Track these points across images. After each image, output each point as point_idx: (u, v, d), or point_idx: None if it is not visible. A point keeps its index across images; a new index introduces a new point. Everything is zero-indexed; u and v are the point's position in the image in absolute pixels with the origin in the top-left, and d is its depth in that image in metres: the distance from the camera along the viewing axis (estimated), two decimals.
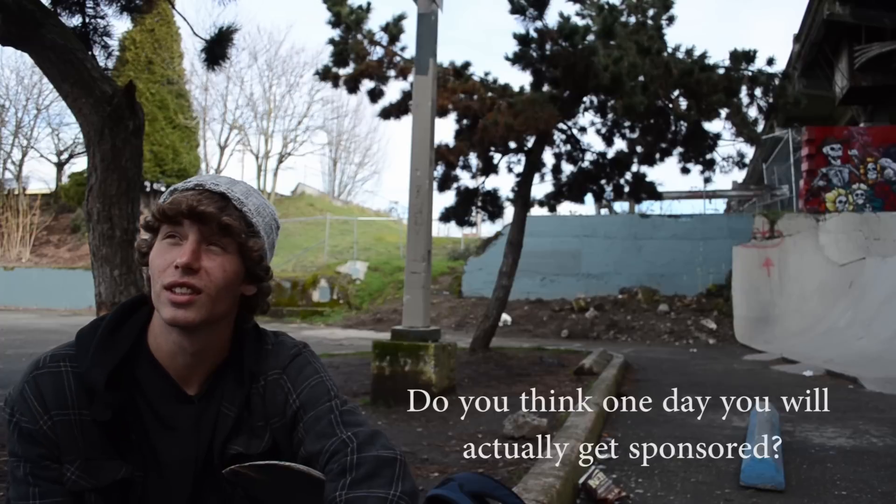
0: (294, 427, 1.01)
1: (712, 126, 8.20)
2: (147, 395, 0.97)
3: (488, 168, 8.26)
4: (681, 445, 3.68)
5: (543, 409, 4.24)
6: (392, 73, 7.56)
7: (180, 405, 0.99)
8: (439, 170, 7.80)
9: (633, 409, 4.87)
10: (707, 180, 8.78)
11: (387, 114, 7.88)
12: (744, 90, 7.74)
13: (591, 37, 6.76)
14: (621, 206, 18.29)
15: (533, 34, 6.93)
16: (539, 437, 3.35)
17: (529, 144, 7.90)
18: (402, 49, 7.51)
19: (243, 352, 1.03)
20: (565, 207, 20.87)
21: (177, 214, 0.93)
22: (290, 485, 0.93)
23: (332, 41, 7.41)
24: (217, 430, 0.99)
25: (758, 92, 7.75)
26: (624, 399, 5.26)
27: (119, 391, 0.94)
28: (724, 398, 5.45)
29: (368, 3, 7.35)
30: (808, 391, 5.91)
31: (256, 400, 1.03)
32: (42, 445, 0.91)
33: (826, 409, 4.93)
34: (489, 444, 3.30)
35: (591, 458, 3.29)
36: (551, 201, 8.92)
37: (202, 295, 0.94)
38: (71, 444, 0.92)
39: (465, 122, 7.58)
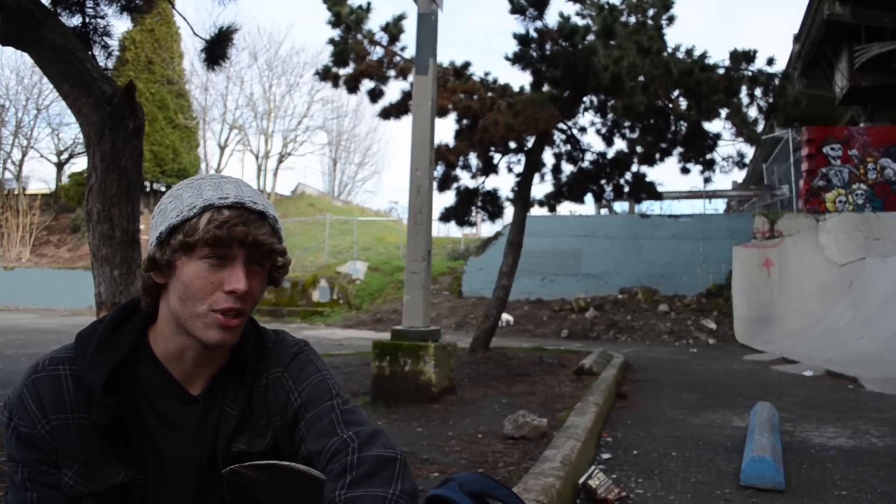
0: (295, 426, 1.01)
1: (712, 126, 8.21)
2: (149, 396, 0.97)
3: (488, 168, 8.26)
4: (681, 445, 3.68)
5: (543, 409, 4.24)
6: (392, 73, 7.55)
7: (184, 405, 0.99)
8: (439, 170, 7.80)
9: (633, 409, 4.87)
10: (707, 180, 8.78)
11: (387, 114, 7.88)
12: (744, 90, 7.74)
13: (591, 37, 6.76)
14: (621, 206, 18.30)
15: (533, 34, 6.93)
16: (539, 437, 3.36)
17: (529, 144, 7.90)
18: (402, 49, 7.52)
19: (245, 350, 1.03)
20: (565, 207, 20.93)
21: (231, 241, 0.92)
22: (289, 484, 0.93)
23: (332, 41, 7.41)
24: (220, 429, 0.99)
25: (758, 92, 7.75)
26: (624, 399, 5.27)
27: (118, 394, 0.93)
28: (724, 398, 5.46)
29: (368, 3, 7.35)
30: (808, 391, 5.92)
31: (258, 398, 1.03)
32: (40, 450, 0.91)
33: (826, 409, 4.93)
34: (489, 444, 3.30)
35: (591, 458, 3.29)
36: (551, 201, 8.92)
37: (245, 315, 0.96)
38: (69, 448, 0.91)
39: (465, 122, 7.58)
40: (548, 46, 6.97)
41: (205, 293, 0.92)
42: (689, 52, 7.67)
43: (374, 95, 7.71)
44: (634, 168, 8.64)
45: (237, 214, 0.92)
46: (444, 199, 48.23)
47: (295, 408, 1.01)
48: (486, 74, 7.62)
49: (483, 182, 8.49)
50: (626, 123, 8.22)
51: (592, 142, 25.88)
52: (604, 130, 8.42)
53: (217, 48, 3.96)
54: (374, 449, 0.93)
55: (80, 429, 0.92)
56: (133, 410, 0.95)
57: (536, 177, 8.34)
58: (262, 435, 1.01)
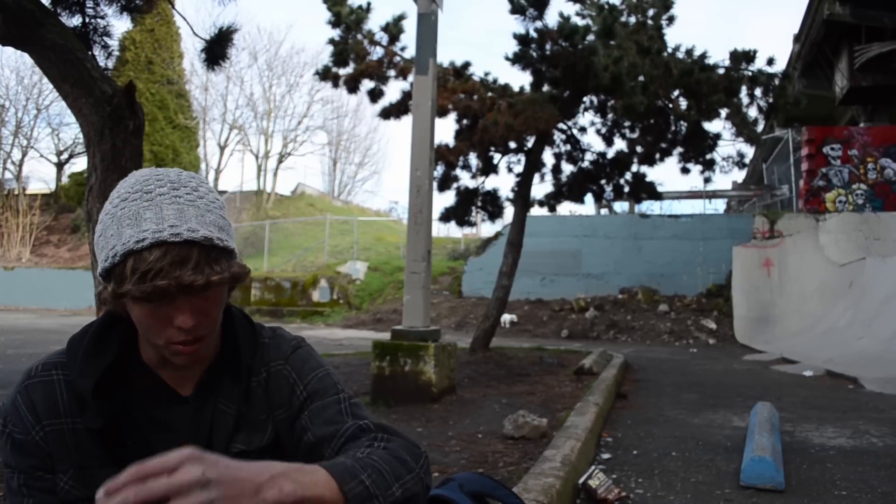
0: (298, 417, 0.99)
1: (712, 126, 8.22)
2: (141, 399, 0.96)
3: (488, 168, 8.26)
4: (681, 445, 3.68)
5: (543, 409, 4.24)
6: (392, 73, 7.56)
7: (175, 407, 0.98)
8: (439, 170, 7.80)
9: (633, 409, 4.87)
10: (707, 180, 8.79)
11: (387, 114, 7.88)
12: (744, 90, 7.74)
13: (591, 37, 6.76)
14: (621, 206, 18.30)
15: (533, 34, 6.94)
16: (539, 437, 3.36)
17: (529, 144, 7.90)
18: (402, 49, 7.52)
19: (239, 348, 1.01)
20: (565, 207, 20.93)
21: (165, 295, 0.85)
22: None
23: (332, 41, 7.41)
24: (215, 428, 0.98)
25: (758, 92, 7.75)
26: (624, 399, 5.27)
27: (110, 398, 0.92)
28: (724, 398, 5.46)
29: (368, 3, 7.35)
30: (808, 391, 5.92)
31: (258, 392, 1.01)
32: (35, 456, 0.90)
33: (826, 409, 4.93)
34: (489, 444, 3.30)
35: (591, 458, 3.29)
36: (551, 201, 8.92)
37: (208, 335, 0.93)
38: (64, 453, 0.91)
39: (465, 122, 7.58)
40: (548, 46, 6.97)
41: (158, 329, 0.88)
42: (689, 52, 7.68)
43: (374, 95, 7.72)
44: (634, 168, 8.65)
45: (159, 257, 0.83)
46: (444, 199, 48.28)
47: (301, 400, 1.00)
48: (486, 74, 7.64)
49: (483, 182, 8.50)
50: (626, 123, 8.22)
51: (592, 142, 25.90)
52: (604, 130, 8.43)
53: (217, 48, 3.96)
54: (399, 437, 0.94)
55: (74, 433, 0.91)
56: (126, 413, 0.95)
57: (536, 177, 8.34)
58: (261, 430, 1.00)
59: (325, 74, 7.55)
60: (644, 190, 8.72)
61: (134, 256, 0.83)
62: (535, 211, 9.81)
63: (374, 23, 7.83)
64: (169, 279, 0.83)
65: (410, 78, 7.25)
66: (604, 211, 17.96)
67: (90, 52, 3.34)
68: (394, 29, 7.37)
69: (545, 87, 7.38)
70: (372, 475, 0.82)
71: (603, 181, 8.65)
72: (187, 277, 0.84)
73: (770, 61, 7.62)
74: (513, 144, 7.92)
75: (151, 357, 0.97)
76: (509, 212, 8.43)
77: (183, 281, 0.84)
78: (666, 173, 69.20)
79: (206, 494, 0.65)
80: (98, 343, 0.95)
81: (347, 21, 7.24)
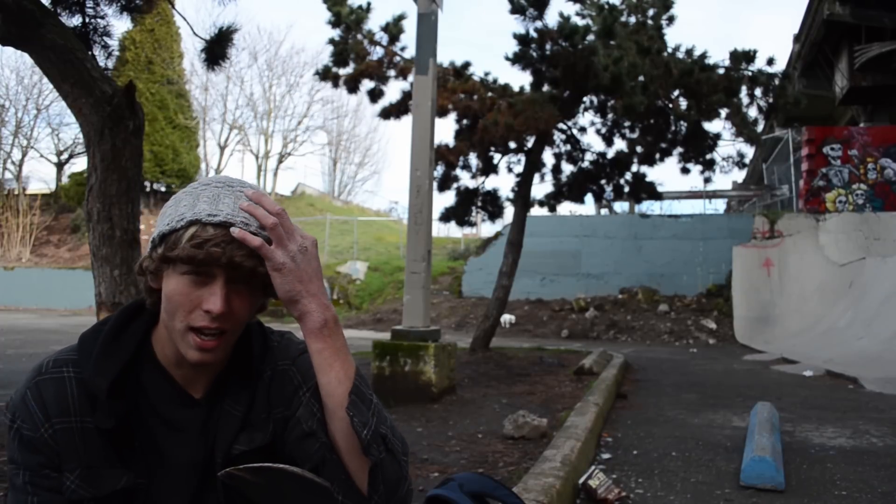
0: (294, 415, 1.00)
1: (712, 126, 8.22)
2: (152, 399, 0.96)
3: (488, 168, 8.26)
4: (681, 445, 3.68)
5: (543, 409, 4.24)
6: (392, 73, 7.56)
7: (186, 409, 0.98)
8: (439, 170, 7.80)
9: (633, 409, 4.87)
10: (707, 180, 8.80)
11: (387, 114, 7.88)
12: (744, 90, 7.75)
13: (591, 37, 6.76)
14: (621, 206, 18.30)
15: (533, 34, 6.94)
16: (539, 437, 3.36)
17: (529, 144, 7.90)
18: (402, 49, 7.52)
19: (252, 352, 1.02)
20: (565, 207, 20.91)
21: (211, 264, 0.89)
22: (285, 487, 0.92)
23: (332, 41, 7.41)
24: (221, 430, 0.99)
25: (758, 92, 7.76)
26: (624, 399, 5.27)
27: (123, 398, 0.92)
28: (724, 398, 5.46)
29: (368, 3, 7.35)
30: (808, 391, 5.92)
31: (261, 392, 1.02)
32: (42, 454, 0.90)
33: (826, 409, 4.93)
34: (489, 444, 3.30)
35: (591, 458, 3.29)
36: (551, 201, 8.92)
37: (228, 334, 0.93)
38: (72, 452, 0.90)
39: (465, 122, 7.58)
40: (548, 46, 6.97)
41: (184, 309, 0.90)
42: (689, 52, 7.68)
43: (374, 95, 7.72)
44: (634, 168, 8.65)
45: (221, 234, 0.88)
46: (444, 199, 48.24)
47: (301, 402, 1.00)
48: (486, 74, 7.64)
49: (483, 182, 8.51)
50: (626, 123, 8.22)
51: (592, 142, 25.90)
52: (604, 130, 8.43)
53: (217, 48, 3.96)
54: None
55: (83, 432, 0.91)
56: (137, 414, 0.94)
57: (536, 177, 8.34)
58: (262, 429, 1.00)
59: (325, 74, 7.55)
60: (644, 190, 8.72)
61: (198, 226, 0.89)
62: (535, 211, 9.83)
63: (374, 23, 7.86)
64: (223, 249, 0.88)
65: (410, 78, 7.25)
66: (604, 211, 17.96)
67: (90, 52, 3.34)
68: (394, 29, 7.38)
69: (545, 87, 7.38)
70: (379, 405, 1.00)
71: (603, 181, 8.65)
72: (238, 257, 0.89)
73: (770, 61, 7.62)
74: (513, 144, 7.92)
75: (168, 354, 0.97)
76: (509, 212, 8.45)
77: (234, 257, 0.89)
78: (666, 173, 69.29)
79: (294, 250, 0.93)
80: (113, 342, 0.95)
81: (347, 21, 7.24)
